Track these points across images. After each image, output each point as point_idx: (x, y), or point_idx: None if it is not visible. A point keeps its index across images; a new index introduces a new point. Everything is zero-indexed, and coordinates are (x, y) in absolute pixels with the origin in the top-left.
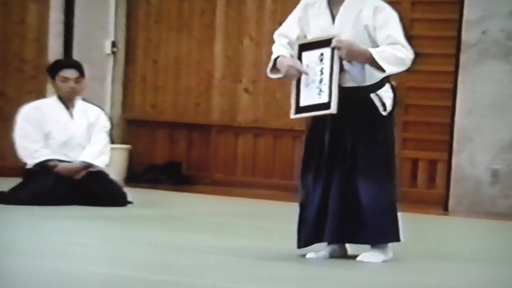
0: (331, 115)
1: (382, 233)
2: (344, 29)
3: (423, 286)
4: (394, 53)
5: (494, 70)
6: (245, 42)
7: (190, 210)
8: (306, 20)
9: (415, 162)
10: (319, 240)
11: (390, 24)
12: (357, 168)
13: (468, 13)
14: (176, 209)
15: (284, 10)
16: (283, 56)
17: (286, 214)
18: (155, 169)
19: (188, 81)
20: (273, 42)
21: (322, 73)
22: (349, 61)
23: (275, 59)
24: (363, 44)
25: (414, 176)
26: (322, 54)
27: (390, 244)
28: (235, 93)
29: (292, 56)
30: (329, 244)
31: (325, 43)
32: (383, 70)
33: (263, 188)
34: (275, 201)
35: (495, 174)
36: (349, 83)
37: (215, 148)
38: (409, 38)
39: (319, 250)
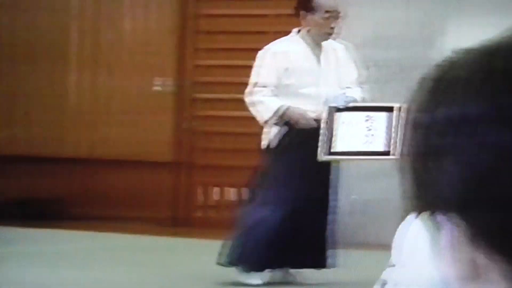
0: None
1: (325, 257)
2: (330, 69)
3: None
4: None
5: None
6: (100, 73)
7: (51, 247)
8: (282, 66)
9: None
10: (278, 264)
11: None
12: (321, 197)
13: None
14: (38, 246)
15: (136, 38)
16: (289, 107)
17: (162, 247)
18: (11, 205)
19: (41, 115)
20: (130, 73)
21: (369, 130)
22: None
23: (278, 109)
24: (346, 80)
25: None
26: (368, 116)
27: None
28: (93, 125)
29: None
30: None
31: (372, 108)
32: None
33: (128, 221)
34: (147, 234)
35: (352, 204)
36: None
37: (79, 182)
38: None
39: (261, 274)
